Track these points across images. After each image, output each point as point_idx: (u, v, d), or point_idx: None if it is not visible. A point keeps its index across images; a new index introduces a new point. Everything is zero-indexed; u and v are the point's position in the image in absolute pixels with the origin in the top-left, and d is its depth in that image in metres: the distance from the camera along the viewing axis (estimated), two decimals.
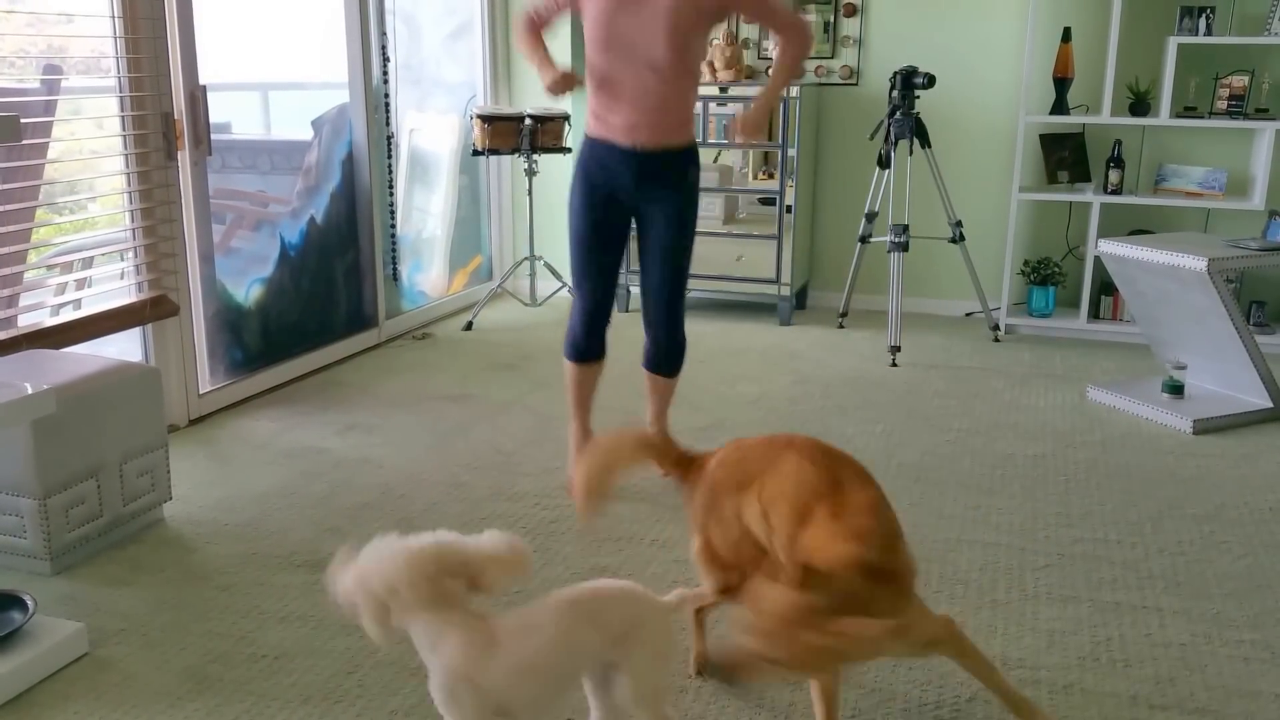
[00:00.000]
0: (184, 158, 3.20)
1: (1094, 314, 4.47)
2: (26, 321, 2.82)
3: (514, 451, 3.12)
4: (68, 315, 2.94)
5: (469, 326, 4.57)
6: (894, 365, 4.05)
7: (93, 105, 3.10)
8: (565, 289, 4.78)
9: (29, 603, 1.99)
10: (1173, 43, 4.08)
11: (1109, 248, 3.59)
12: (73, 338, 2.86)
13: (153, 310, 3.13)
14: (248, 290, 3.66)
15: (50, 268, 3.09)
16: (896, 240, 4.11)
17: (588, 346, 2.73)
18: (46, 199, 2.92)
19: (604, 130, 2.52)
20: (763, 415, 3.47)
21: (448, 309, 4.86)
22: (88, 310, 2.98)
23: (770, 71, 2.59)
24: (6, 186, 2.71)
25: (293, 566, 2.40)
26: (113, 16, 2.93)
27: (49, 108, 2.88)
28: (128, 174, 3.06)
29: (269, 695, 1.91)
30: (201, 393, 3.38)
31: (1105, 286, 4.40)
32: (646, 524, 2.63)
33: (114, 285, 3.09)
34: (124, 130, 3.03)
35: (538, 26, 2.61)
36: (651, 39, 2.37)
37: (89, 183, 3.06)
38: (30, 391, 2.04)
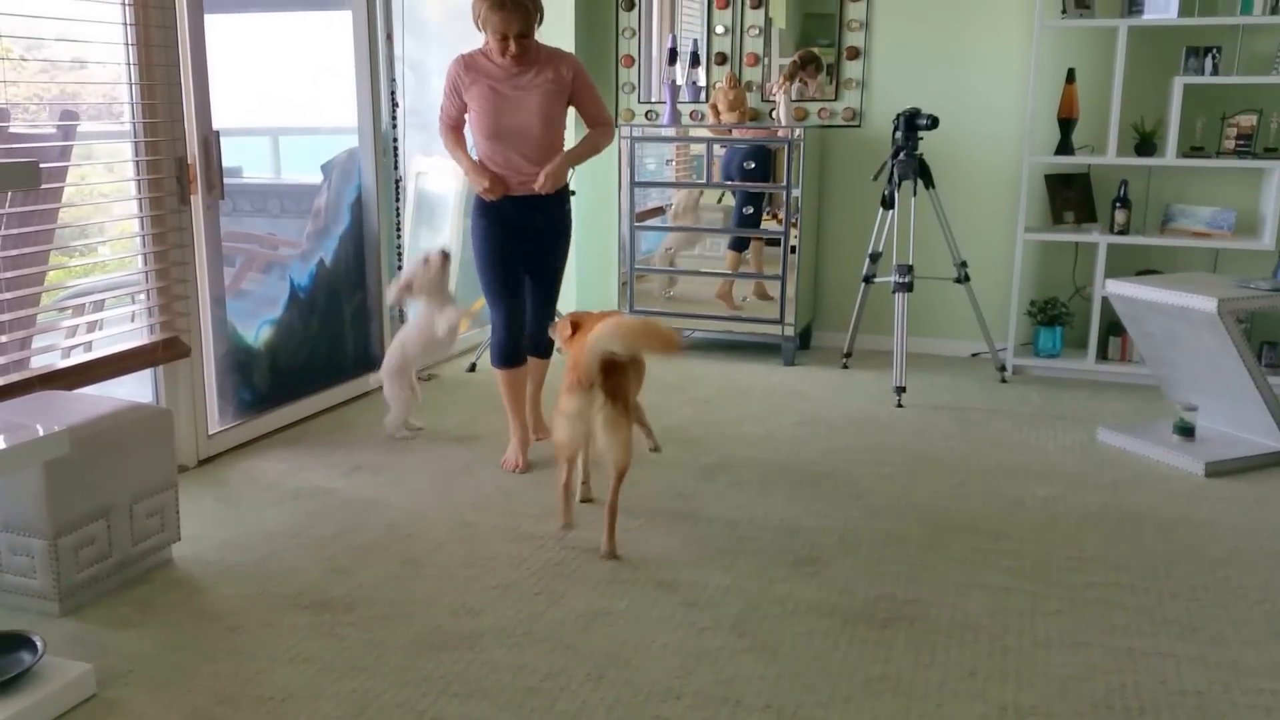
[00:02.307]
0: (197, 202, 3.28)
1: (1102, 355, 4.50)
2: (39, 363, 2.88)
3: (519, 493, 3.15)
4: (80, 357, 3.00)
5: (473, 368, 4.62)
6: (900, 406, 4.08)
7: (107, 150, 3.18)
8: None
9: (38, 644, 2.01)
10: (1179, 83, 4.16)
11: (1117, 288, 3.63)
12: (85, 379, 2.92)
13: (164, 352, 3.19)
14: (258, 332, 3.72)
15: (63, 310, 3.16)
16: (901, 280, 4.16)
17: (515, 353, 3.39)
18: (60, 242, 3.00)
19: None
20: (768, 455, 3.50)
21: (451, 351, 4.91)
22: (100, 352, 3.04)
23: (579, 143, 3.34)
24: (21, 230, 2.78)
25: (300, 607, 2.42)
26: (128, 63, 3.03)
27: (64, 153, 2.97)
28: (141, 217, 3.13)
29: None
30: (211, 433, 3.43)
31: (1113, 327, 4.44)
32: (652, 566, 2.66)
33: (126, 327, 3.15)
34: (138, 175, 3.11)
35: (459, 128, 3.34)
36: (528, 126, 3.19)
37: (102, 226, 3.14)
38: (43, 433, 2.09)
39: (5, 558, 2.36)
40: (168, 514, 2.60)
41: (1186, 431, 3.52)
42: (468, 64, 3.21)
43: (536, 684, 2.11)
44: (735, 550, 2.75)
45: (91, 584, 2.41)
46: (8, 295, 2.73)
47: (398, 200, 4.37)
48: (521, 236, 3.31)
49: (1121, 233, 4.35)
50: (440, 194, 4.97)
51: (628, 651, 2.24)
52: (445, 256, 3.55)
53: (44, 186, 2.78)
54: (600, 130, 3.36)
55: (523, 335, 3.38)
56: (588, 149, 3.34)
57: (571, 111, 3.34)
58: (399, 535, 2.85)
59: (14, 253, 2.75)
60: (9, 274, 2.73)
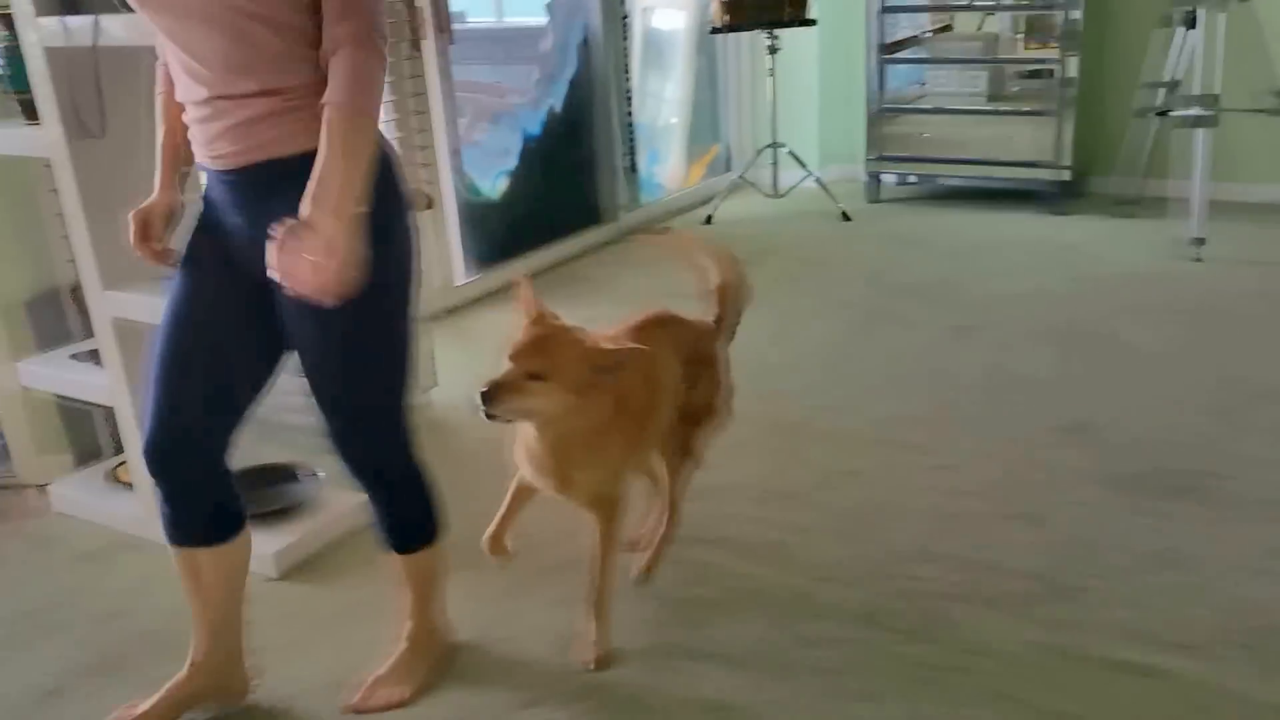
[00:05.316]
0: (428, 46, 3.41)
1: None
2: None
3: (763, 350, 3.19)
4: None
5: (709, 220, 4.64)
6: (1197, 260, 3.73)
7: None
8: (811, 179, 4.71)
9: (319, 474, 2.30)
10: None
11: None
12: None
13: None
14: (494, 183, 3.90)
15: None
16: (1202, 114, 3.73)
17: (181, 517, 1.66)
18: None
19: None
20: (1032, 313, 3.33)
21: (685, 202, 4.94)
22: None
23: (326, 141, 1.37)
24: None
25: None
26: None
27: None
28: None
29: None
30: (456, 284, 3.68)
31: None
32: (893, 426, 2.64)
33: None
34: None
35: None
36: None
37: None
38: None
39: (288, 397, 2.68)
40: (423, 360, 2.85)
41: None
42: None
43: (780, 537, 2.18)
44: (991, 416, 2.68)
45: None
46: None
47: (625, 40, 4.36)
48: (242, 267, 1.54)
49: None
50: (669, 31, 4.91)
51: (873, 511, 2.26)
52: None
53: None
54: (347, 53, 1.36)
55: (196, 468, 1.65)
56: (361, 125, 1.39)
57: None
58: None
59: None
60: None
